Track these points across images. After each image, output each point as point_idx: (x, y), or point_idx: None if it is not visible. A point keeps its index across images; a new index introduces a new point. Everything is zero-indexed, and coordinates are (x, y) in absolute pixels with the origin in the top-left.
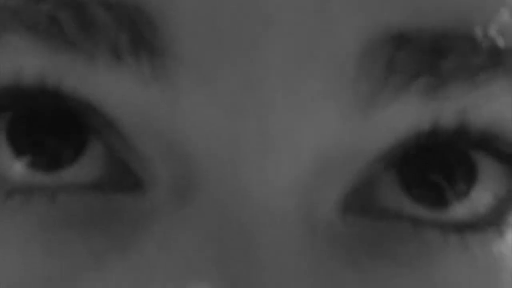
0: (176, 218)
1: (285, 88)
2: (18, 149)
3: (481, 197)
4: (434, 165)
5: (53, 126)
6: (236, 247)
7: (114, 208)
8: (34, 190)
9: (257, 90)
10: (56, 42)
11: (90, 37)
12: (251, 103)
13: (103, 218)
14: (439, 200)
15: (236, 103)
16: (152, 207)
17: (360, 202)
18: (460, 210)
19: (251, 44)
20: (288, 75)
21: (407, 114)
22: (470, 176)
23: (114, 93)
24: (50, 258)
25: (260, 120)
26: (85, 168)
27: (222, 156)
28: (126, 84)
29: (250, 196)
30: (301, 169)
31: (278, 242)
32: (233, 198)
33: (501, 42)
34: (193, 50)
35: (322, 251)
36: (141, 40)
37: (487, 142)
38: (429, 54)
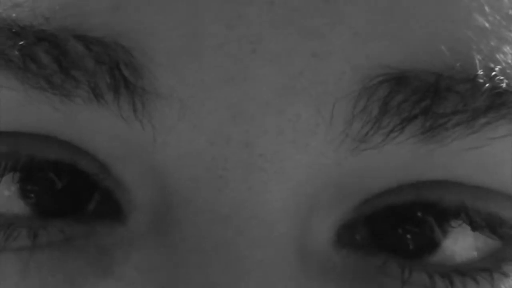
0: (156, 246)
1: (273, 117)
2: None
3: (471, 243)
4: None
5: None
6: (221, 277)
7: (94, 234)
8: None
9: (243, 122)
10: (33, 79)
11: (69, 75)
12: (236, 133)
13: (81, 245)
14: (423, 244)
15: (220, 133)
16: (132, 234)
17: (352, 236)
18: (447, 254)
19: (237, 75)
20: (276, 105)
21: (400, 155)
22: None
23: (94, 126)
24: (25, 283)
25: (246, 149)
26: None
27: (204, 184)
28: (106, 120)
29: (235, 224)
30: (288, 198)
31: (266, 270)
32: (216, 226)
33: (503, 83)
34: (175, 85)
35: (313, 281)
36: (121, 78)
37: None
38: (426, 96)
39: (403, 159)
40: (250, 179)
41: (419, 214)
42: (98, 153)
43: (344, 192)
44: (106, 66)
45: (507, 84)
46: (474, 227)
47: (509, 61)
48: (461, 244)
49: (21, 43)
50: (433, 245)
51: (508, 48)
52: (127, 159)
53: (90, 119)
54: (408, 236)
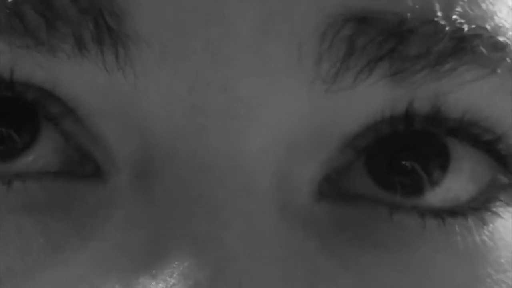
0: (139, 203)
1: (250, 58)
2: None
3: (460, 184)
4: (406, 153)
5: (3, 115)
6: (202, 229)
7: (74, 195)
8: None
9: (221, 64)
10: (19, 39)
11: (53, 27)
12: (215, 77)
13: (63, 206)
14: (413, 188)
15: (199, 78)
16: (114, 193)
17: (334, 188)
18: (437, 197)
19: (213, 20)
20: (252, 45)
21: (374, 98)
22: (444, 163)
23: (76, 81)
24: (6, 248)
25: (224, 94)
26: (42, 156)
27: (185, 133)
28: (89, 72)
29: (216, 174)
30: (267, 145)
31: (247, 220)
32: (199, 175)
33: (465, 27)
34: (155, 28)
35: (295, 232)
36: (104, 27)
37: (462, 129)
38: (391, 38)
39: (377, 101)
40: (228, 127)
41: (400, 161)
42: (77, 108)
43: (322, 138)
44: (89, 16)
45: (469, 29)
46: (474, 143)
47: (470, 7)
48: (456, 183)
49: (9, 0)
50: (416, 192)
51: None
52: (108, 115)
53: (73, 74)
54: (390, 185)
